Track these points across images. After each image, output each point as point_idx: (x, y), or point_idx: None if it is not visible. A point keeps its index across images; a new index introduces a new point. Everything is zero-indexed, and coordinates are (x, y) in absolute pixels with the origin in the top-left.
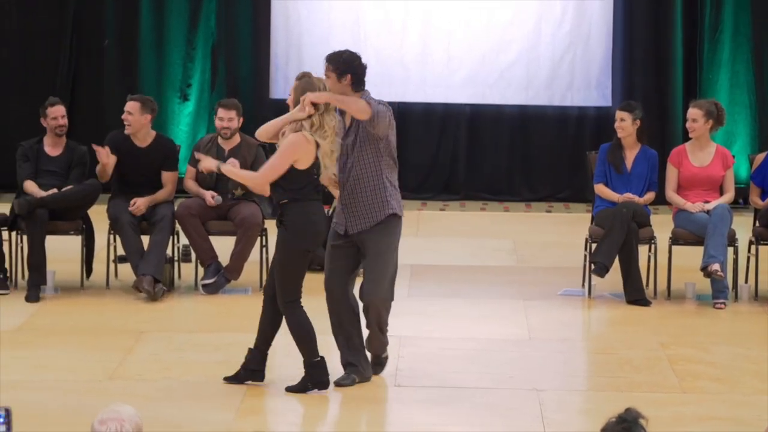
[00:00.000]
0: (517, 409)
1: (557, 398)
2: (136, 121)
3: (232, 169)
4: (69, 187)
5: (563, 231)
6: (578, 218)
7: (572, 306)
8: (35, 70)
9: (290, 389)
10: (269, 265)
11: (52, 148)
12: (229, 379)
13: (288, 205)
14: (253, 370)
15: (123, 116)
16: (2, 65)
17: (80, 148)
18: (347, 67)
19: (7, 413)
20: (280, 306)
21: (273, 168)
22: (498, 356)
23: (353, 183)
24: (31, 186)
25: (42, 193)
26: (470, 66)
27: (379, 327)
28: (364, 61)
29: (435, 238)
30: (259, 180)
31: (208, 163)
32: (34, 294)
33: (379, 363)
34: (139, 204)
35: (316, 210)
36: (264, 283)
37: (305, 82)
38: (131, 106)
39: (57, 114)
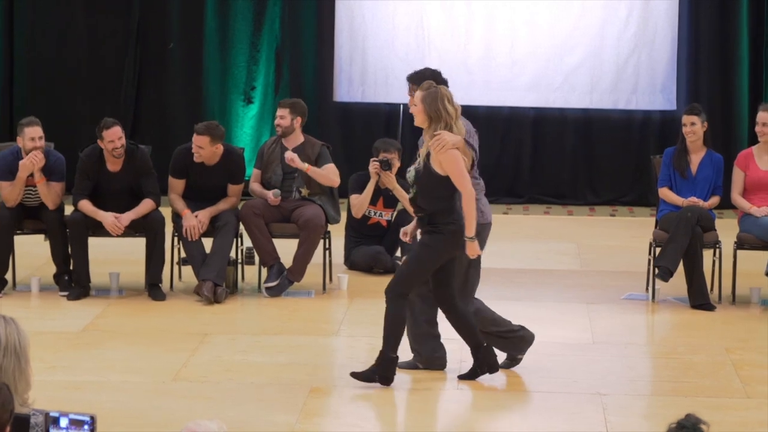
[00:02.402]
0: (580, 413)
1: (620, 403)
2: (207, 154)
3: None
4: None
5: (627, 235)
6: (642, 222)
7: (636, 310)
8: (101, 74)
9: (355, 374)
10: (330, 268)
11: (113, 164)
12: (463, 377)
13: (441, 213)
14: (491, 364)
15: (193, 149)
16: (69, 69)
17: (141, 153)
18: None
19: (92, 420)
20: (391, 293)
21: (465, 176)
22: (561, 360)
23: None
24: (86, 206)
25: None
26: (534, 69)
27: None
28: (444, 74)
29: (498, 242)
30: (468, 191)
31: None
32: (75, 294)
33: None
34: (201, 218)
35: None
36: (327, 283)
37: (432, 93)
38: (201, 140)
39: (113, 137)
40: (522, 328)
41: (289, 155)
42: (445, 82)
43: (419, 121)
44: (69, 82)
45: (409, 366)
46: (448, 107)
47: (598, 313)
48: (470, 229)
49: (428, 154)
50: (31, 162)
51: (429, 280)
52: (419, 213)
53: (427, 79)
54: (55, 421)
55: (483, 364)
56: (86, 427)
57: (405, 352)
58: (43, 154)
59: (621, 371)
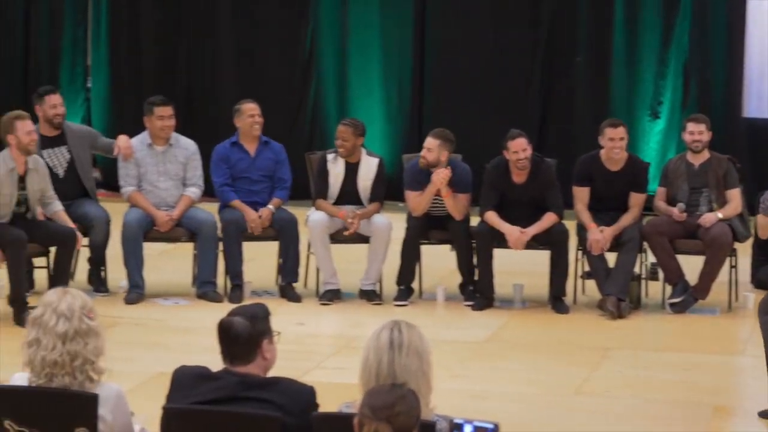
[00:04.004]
0: None
1: None
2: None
3: None
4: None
5: None
6: None
7: None
8: (508, 86)
9: (763, 414)
10: (736, 286)
11: (518, 176)
12: None
13: None
14: None
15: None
16: (477, 81)
17: (546, 165)
18: None
19: (496, 429)
20: None
21: None
22: None
23: None
24: (492, 217)
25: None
26: None
27: None
28: None
29: None
30: None
31: None
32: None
33: None
34: (606, 235)
35: None
36: (732, 301)
37: None
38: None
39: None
40: None
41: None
42: None
43: None
44: (476, 94)
45: None
46: None
47: None
48: None
49: None
50: (441, 178)
51: None
52: None
53: None
54: (459, 428)
55: None
56: None
57: None
58: (450, 166)
59: None
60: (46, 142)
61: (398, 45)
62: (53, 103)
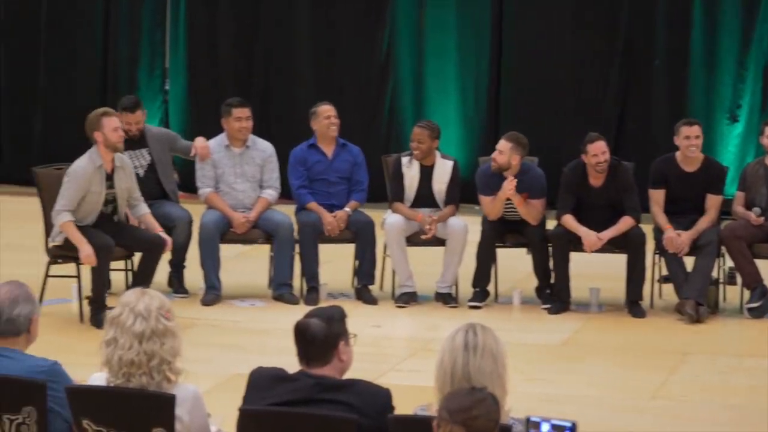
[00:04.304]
0: None
1: None
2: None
3: None
4: None
5: None
6: None
7: None
8: (586, 91)
9: None
10: None
11: (595, 179)
12: None
13: None
14: None
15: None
16: (555, 85)
17: (624, 169)
18: None
19: (574, 427)
20: None
21: None
22: None
23: None
24: (569, 221)
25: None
26: None
27: None
28: None
29: None
30: None
31: None
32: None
33: None
34: (684, 239)
35: None
36: None
37: None
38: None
39: (597, 150)
40: None
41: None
42: None
43: None
44: (553, 98)
45: None
46: None
47: None
48: None
49: None
50: (507, 189)
51: None
52: None
53: None
54: (537, 426)
55: None
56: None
57: None
58: (523, 171)
59: None
60: (126, 144)
61: (475, 48)
62: (128, 121)
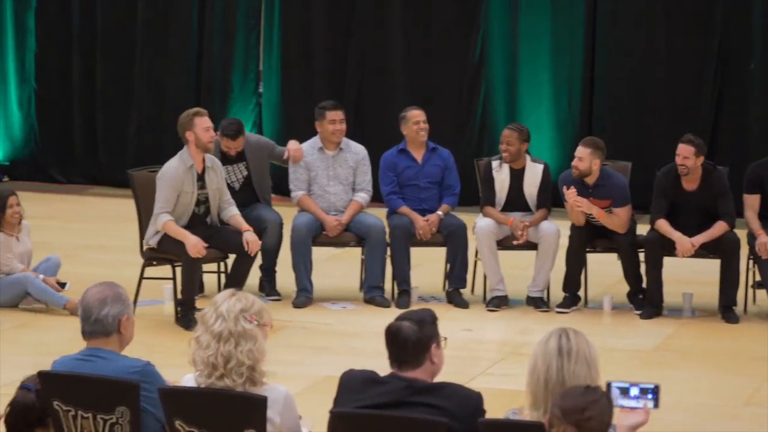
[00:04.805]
0: None
1: None
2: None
3: None
4: None
5: None
6: None
7: None
8: (679, 94)
9: None
10: None
11: (688, 183)
12: None
13: None
14: None
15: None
16: (648, 88)
17: (718, 173)
18: None
19: (656, 389)
20: None
21: None
22: None
23: None
24: (663, 225)
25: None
26: None
27: None
28: None
29: None
30: None
31: None
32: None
33: None
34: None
35: None
36: None
37: None
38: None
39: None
40: None
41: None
42: None
43: None
44: (647, 102)
45: None
46: None
47: None
48: None
49: None
50: (572, 198)
51: None
52: None
53: None
54: (626, 391)
55: None
56: (650, 395)
57: None
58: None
59: None
60: (223, 160)
61: (569, 52)
62: (228, 146)
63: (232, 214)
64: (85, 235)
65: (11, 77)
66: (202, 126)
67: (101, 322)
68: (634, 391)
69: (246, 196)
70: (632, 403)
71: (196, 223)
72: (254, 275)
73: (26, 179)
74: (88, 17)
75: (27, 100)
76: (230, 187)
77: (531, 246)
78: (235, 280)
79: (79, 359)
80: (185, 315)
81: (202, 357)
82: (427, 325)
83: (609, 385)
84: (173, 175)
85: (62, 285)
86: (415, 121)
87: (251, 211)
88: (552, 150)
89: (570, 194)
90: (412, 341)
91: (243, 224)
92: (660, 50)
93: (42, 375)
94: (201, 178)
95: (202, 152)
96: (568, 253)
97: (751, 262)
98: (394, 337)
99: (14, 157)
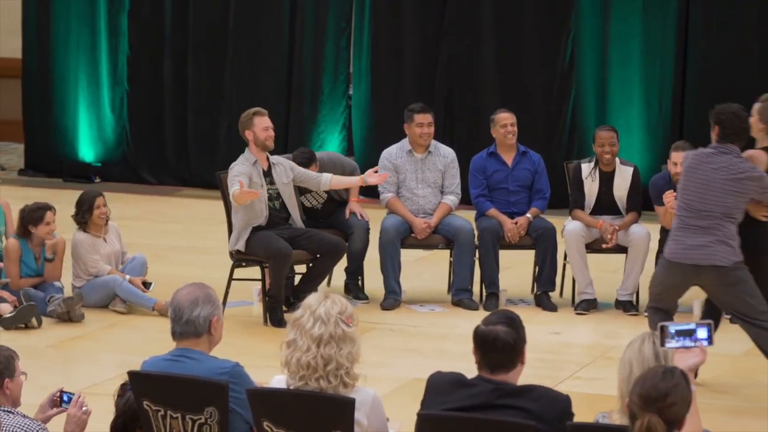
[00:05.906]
0: None
1: None
2: None
3: None
4: None
5: None
6: None
7: None
8: None
9: None
10: None
11: None
12: None
13: None
14: None
15: None
16: (741, 91)
17: None
18: None
19: (711, 325)
20: None
21: None
22: None
23: None
24: None
25: None
26: None
27: None
28: None
29: None
30: None
31: None
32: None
33: None
34: None
35: None
36: None
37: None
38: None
39: None
40: None
41: None
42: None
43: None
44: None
45: None
46: None
47: None
48: None
49: None
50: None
51: None
52: None
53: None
54: (681, 332)
55: None
56: (705, 333)
57: None
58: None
59: None
60: (300, 190)
61: (660, 55)
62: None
63: (329, 178)
64: (175, 237)
65: (104, 79)
66: (261, 125)
67: (192, 323)
68: (689, 331)
69: (330, 212)
70: (688, 343)
71: (278, 223)
72: (338, 279)
73: (117, 180)
74: (180, 19)
75: (119, 102)
76: (314, 209)
77: (620, 249)
78: (310, 278)
79: (168, 360)
80: (272, 310)
81: (298, 359)
82: (519, 327)
83: (663, 328)
84: (240, 167)
85: (147, 285)
86: (503, 124)
87: (337, 215)
88: (642, 153)
89: (668, 197)
90: (510, 346)
91: (343, 181)
92: (753, 53)
93: (132, 375)
94: (268, 174)
95: (262, 150)
96: (658, 257)
97: None
98: (492, 343)
99: (106, 159)
